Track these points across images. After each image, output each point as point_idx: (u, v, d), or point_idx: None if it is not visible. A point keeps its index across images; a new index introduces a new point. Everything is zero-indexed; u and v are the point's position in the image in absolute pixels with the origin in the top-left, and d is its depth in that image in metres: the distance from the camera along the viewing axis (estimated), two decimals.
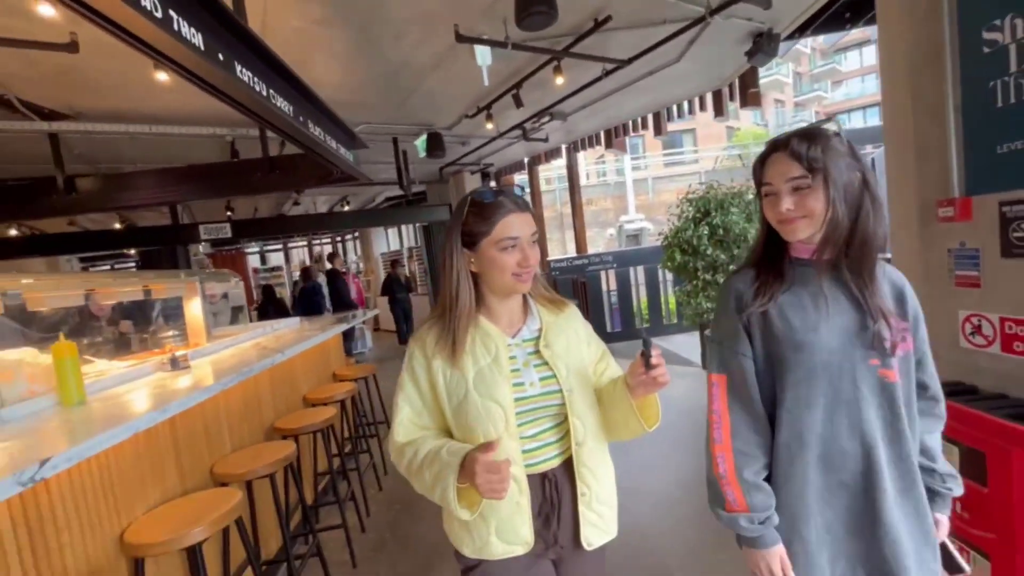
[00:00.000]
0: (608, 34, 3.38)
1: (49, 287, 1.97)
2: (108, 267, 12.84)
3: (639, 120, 5.82)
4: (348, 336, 7.62)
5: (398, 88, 4.12)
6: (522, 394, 0.98)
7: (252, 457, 1.91)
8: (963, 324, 1.83)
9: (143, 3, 1.47)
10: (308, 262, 12.47)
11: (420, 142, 5.31)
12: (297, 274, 9.98)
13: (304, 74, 2.51)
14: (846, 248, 0.89)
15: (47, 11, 2.05)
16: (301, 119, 2.67)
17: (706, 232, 4.08)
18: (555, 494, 1.00)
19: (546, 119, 5.22)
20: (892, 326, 0.87)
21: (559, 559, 1.05)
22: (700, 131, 23.10)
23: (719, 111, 5.01)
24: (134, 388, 1.82)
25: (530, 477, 0.98)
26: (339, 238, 13.58)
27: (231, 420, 2.10)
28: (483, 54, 3.38)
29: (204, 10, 1.75)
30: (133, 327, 2.80)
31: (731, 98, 4.71)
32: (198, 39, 1.73)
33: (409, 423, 1.02)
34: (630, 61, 3.73)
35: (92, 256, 11.20)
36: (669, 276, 6.20)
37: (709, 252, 4.05)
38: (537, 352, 1.01)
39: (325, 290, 7.78)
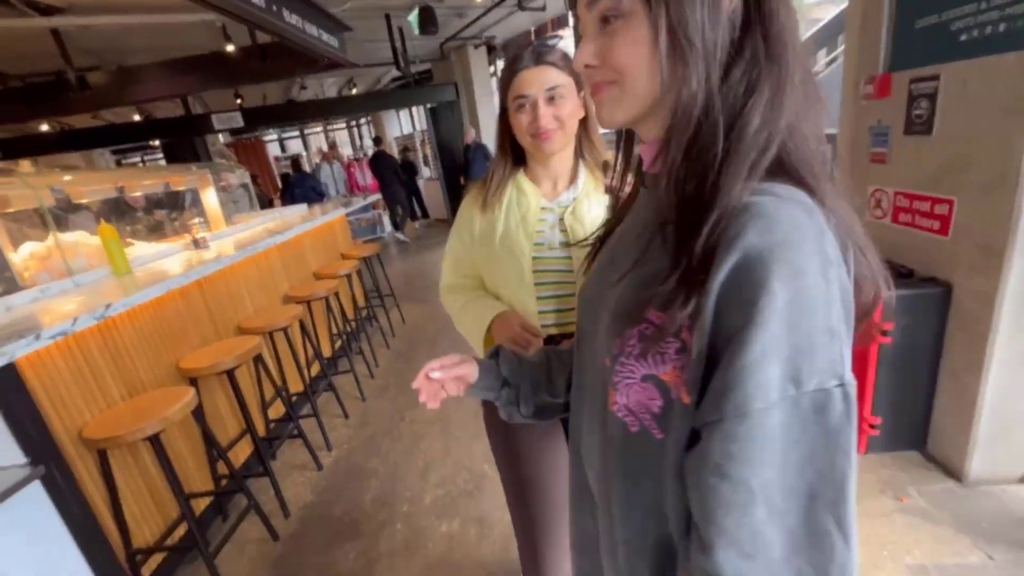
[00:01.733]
0: None
1: (87, 182, 2.36)
2: (138, 158, 13.35)
3: None
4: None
5: None
6: (540, 254, 1.00)
7: (269, 316, 2.42)
8: (869, 199, 2.01)
9: None
10: (325, 148, 12.57)
11: (413, 17, 5.11)
12: (317, 160, 10.19)
13: None
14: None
15: None
16: (275, 8, 2.75)
17: None
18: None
19: None
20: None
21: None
22: None
23: None
24: (166, 263, 2.29)
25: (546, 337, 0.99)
26: (353, 123, 13.41)
27: (250, 289, 2.60)
28: None
29: None
30: (163, 215, 3.26)
31: None
32: None
33: (451, 270, 1.16)
34: None
35: (121, 148, 11.60)
36: None
37: None
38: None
39: (324, 179, 8.07)
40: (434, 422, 2.64)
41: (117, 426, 1.47)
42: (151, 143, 10.65)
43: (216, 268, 2.08)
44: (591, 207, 1.00)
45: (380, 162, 7.88)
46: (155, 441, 1.53)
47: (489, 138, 7.97)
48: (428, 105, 7.98)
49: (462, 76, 7.69)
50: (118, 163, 12.06)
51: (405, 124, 11.62)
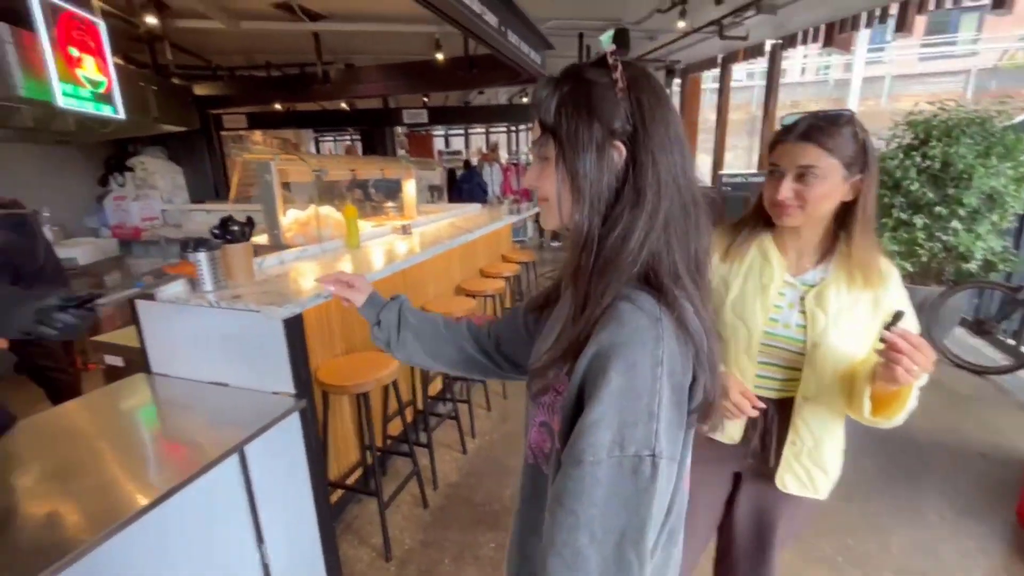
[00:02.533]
0: None
1: (335, 165, 2.86)
2: (332, 139, 15.62)
3: (876, 10, 4.78)
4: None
5: None
6: (773, 329, 0.98)
7: (446, 304, 2.68)
8: None
9: None
10: (485, 149, 13.42)
11: (605, 37, 5.12)
12: (475, 159, 10.95)
13: None
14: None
15: None
16: (503, 29, 3.02)
17: (915, 164, 3.51)
18: (770, 423, 1.01)
19: (750, 13, 4.66)
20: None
21: (746, 474, 1.09)
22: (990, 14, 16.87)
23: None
24: (383, 243, 2.66)
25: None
26: (514, 128, 14.14)
27: (435, 276, 2.89)
28: None
29: None
30: (378, 197, 3.79)
31: None
32: None
33: None
34: None
35: (322, 129, 13.63)
36: None
37: (914, 188, 3.52)
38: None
39: (485, 179, 8.59)
40: None
41: (341, 376, 1.75)
42: (346, 128, 12.34)
43: (429, 255, 2.36)
44: (839, 297, 0.94)
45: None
46: (363, 396, 1.79)
47: None
48: None
49: None
50: (316, 141, 14.22)
51: None
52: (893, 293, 0.94)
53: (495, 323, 0.92)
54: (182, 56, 5.27)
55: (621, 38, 3.52)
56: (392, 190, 4.31)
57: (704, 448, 1.02)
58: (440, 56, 5.10)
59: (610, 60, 0.56)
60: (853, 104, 14.78)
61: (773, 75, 6.36)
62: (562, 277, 0.70)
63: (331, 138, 15.39)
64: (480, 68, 4.61)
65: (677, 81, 7.72)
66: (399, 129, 11.47)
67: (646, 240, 0.55)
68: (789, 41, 5.77)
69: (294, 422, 1.50)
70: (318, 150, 14.07)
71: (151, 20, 3.98)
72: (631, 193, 0.55)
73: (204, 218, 4.86)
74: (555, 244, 8.30)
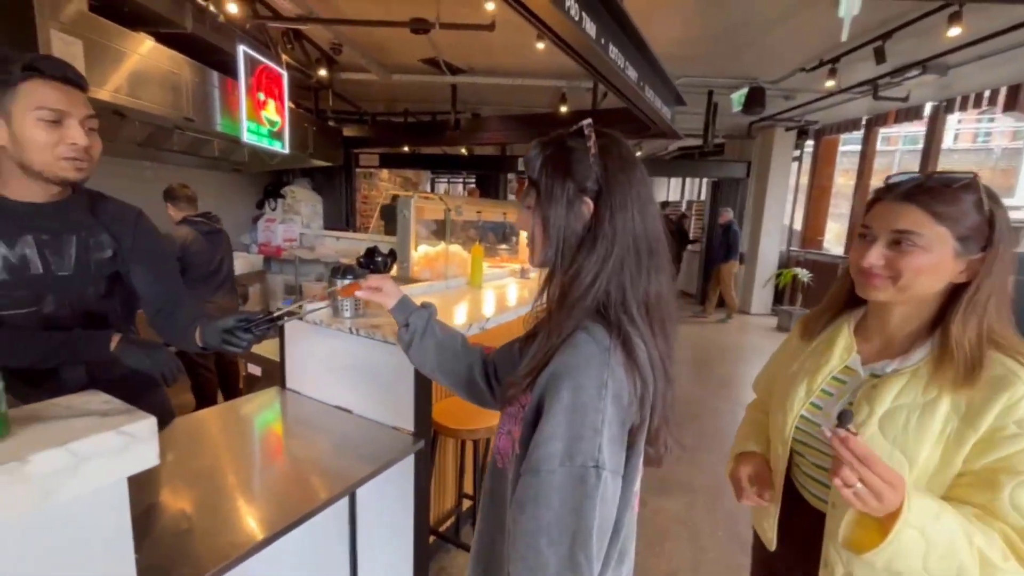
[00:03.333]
0: None
1: (466, 207, 2.99)
2: (446, 180, 16.78)
3: None
4: None
5: (733, 42, 4.00)
6: (814, 417, 0.83)
7: None
8: None
9: (570, 10, 1.97)
10: None
11: (738, 96, 5.06)
12: None
13: (644, 32, 2.76)
14: None
15: (490, 6, 2.86)
16: (641, 84, 3.01)
17: None
18: (808, 533, 0.83)
19: (914, 73, 4.22)
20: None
21: None
22: None
23: None
24: (502, 284, 2.65)
25: (788, 490, 0.88)
26: None
27: None
28: (850, 5, 2.98)
29: (602, 6, 2.19)
30: (494, 239, 3.89)
31: None
32: (592, 29, 2.19)
33: (759, 382, 1.11)
34: None
35: (440, 170, 14.69)
36: None
37: None
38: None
39: None
40: (681, 522, 2.37)
41: (454, 419, 1.69)
42: (460, 171, 13.16)
43: None
44: (905, 395, 0.72)
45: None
46: (475, 443, 1.71)
47: (769, 221, 7.29)
48: (712, 179, 7.80)
49: (759, 155, 7.28)
50: (432, 181, 15.34)
51: (674, 191, 11.65)
52: (997, 411, 0.66)
53: (494, 352, 0.97)
54: (338, 102, 6.00)
55: (756, 97, 3.31)
56: (504, 233, 4.41)
57: (758, 552, 1.00)
58: (564, 108, 5.25)
59: (586, 131, 0.69)
60: None
61: (933, 140, 5.66)
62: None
63: (446, 179, 16.55)
64: (605, 121, 4.64)
65: (810, 143, 7.20)
66: (511, 175, 12.02)
67: (598, 279, 0.66)
68: (956, 104, 5.14)
69: (409, 463, 1.45)
70: (433, 189, 15.16)
71: (322, 73, 4.59)
72: (590, 240, 0.67)
73: (333, 244, 5.34)
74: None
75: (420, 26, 3.46)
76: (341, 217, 6.51)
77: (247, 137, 3.49)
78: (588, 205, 0.67)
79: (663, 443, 0.70)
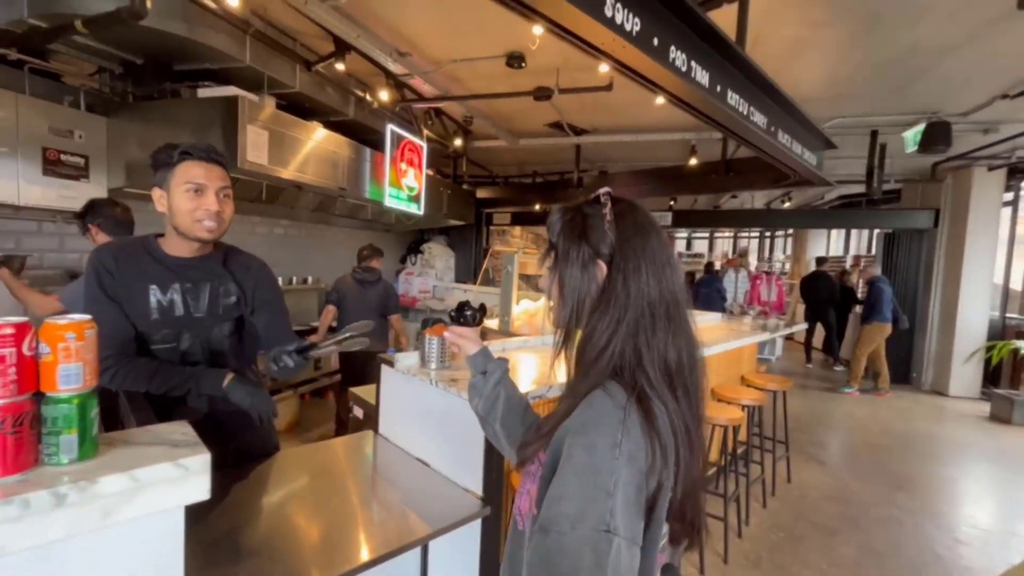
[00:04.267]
0: None
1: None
2: None
3: None
4: None
5: (898, 75, 3.46)
6: None
7: None
8: None
9: (676, 64, 1.89)
10: (731, 254, 12.49)
11: (912, 134, 4.29)
12: (718, 263, 10.23)
13: (784, 77, 2.53)
14: None
15: (604, 68, 2.91)
16: (772, 129, 2.73)
17: None
18: None
19: None
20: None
21: None
22: None
23: None
24: None
25: None
26: (768, 233, 12.83)
27: None
28: None
29: (717, 54, 2.07)
30: None
31: None
32: (705, 78, 2.07)
33: None
34: None
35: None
36: None
37: None
38: None
39: (726, 285, 7.86)
40: None
41: None
42: None
43: None
44: None
45: (817, 283, 7.23)
46: None
47: (971, 280, 5.82)
48: (885, 230, 6.63)
49: (952, 200, 5.99)
50: None
51: (835, 245, 10.17)
52: None
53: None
54: (472, 168, 6.59)
55: (937, 133, 2.74)
56: None
57: None
58: (694, 161, 5.02)
59: (602, 199, 0.72)
60: None
61: None
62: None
63: None
64: (738, 172, 4.31)
65: None
66: None
67: (611, 341, 0.68)
68: None
69: (475, 528, 1.37)
70: None
71: (458, 143, 5.11)
72: (604, 302, 0.69)
73: (460, 295, 5.70)
74: (763, 357, 6.75)
75: (541, 94, 3.68)
76: (470, 271, 6.97)
77: (388, 201, 3.98)
78: (602, 268, 0.70)
79: (690, 521, 0.68)
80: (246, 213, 4.19)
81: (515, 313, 2.46)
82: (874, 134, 4.48)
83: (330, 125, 3.62)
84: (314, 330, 4.15)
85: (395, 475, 1.52)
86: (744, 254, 10.54)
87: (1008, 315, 5.86)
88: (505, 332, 2.30)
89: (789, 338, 9.43)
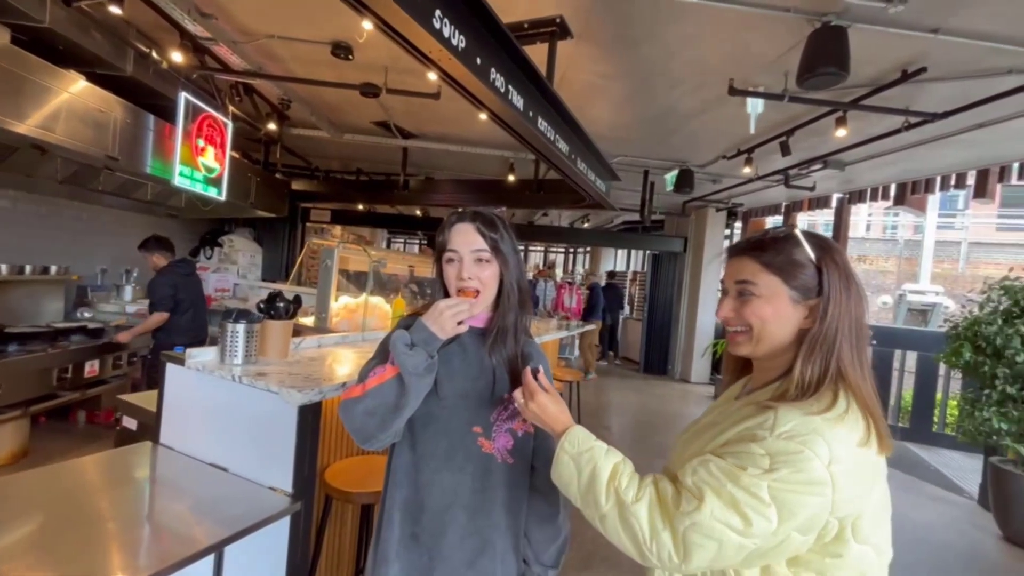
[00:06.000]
0: (918, 85, 2.97)
1: (395, 259, 2.99)
2: (403, 240, 16.89)
3: (952, 176, 4.75)
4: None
5: (661, 128, 4.40)
6: None
7: None
8: None
9: (496, 84, 2.11)
10: (542, 266, 13.87)
11: (670, 177, 5.49)
12: (531, 275, 11.32)
13: (582, 114, 3.01)
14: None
15: (432, 76, 3.03)
16: (573, 156, 3.21)
17: (1020, 333, 3.14)
18: None
19: (817, 167, 4.75)
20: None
21: None
22: None
23: None
24: None
25: None
26: (572, 249, 14.69)
27: None
28: (755, 104, 3.37)
29: (531, 84, 2.36)
30: (422, 294, 3.87)
31: None
32: (520, 102, 2.35)
33: None
34: (946, 115, 3.17)
35: (395, 230, 14.79)
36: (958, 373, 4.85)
37: (1021, 359, 3.11)
38: None
39: (538, 293, 8.99)
40: None
41: (350, 481, 1.55)
42: (416, 231, 13.30)
43: None
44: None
45: (609, 292, 8.64)
46: (368, 508, 1.57)
47: (705, 293, 7.66)
48: (653, 252, 8.24)
49: (694, 232, 7.81)
50: (388, 241, 15.40)
51: (620, 262, 12.18)
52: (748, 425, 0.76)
53: None
54: (288, 157, 6.03)
55: (685, 179, 3.60)
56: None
57: None
58: (511, 177, 5.50)
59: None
60: (927, 267, 14.27)
61: (840, 228, 6.29)
62: None
63: (402, 239, 16.63)
64: (547, 191, 4.90)
65: (738, 224, 7.83)
66: None
67: (519, 314, 1.04)
68: (857, 196, 5.78)
69: (283, 526, 1.31)
70: (389, 248, 15.16)
71: (272, 127, 4.64)
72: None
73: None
74: (564, 356, 7.98)
75: (368, 90, 3.61)
76: (281, 270, 6.33)
77: (179, 180, 3.40)
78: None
79: None
80: None
81: (334, 309, 2.37)
82: (646, 173, 5.58)
83: (98, 79, 2.95)
84: (58, 332, 3.28)
85: (183, 485, 1.34)
86: (552, 266, 11.85)
87: None
88: (322, 329, 2.19)
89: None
